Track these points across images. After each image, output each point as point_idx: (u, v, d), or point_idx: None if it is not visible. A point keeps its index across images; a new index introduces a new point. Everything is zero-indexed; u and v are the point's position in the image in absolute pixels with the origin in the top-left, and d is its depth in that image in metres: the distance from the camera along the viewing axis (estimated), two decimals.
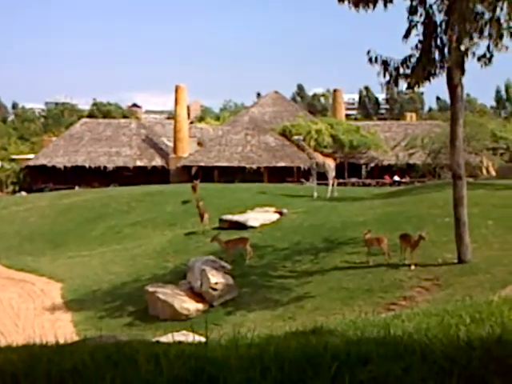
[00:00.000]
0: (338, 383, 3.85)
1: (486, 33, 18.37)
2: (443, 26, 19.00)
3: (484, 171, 53.80)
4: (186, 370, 4.06)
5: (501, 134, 60.24)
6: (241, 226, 29.39)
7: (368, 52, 19.43)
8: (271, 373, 3.98)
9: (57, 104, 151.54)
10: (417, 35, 19.33)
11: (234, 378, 3.88)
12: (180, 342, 5.85)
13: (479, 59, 19.04)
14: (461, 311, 7.41)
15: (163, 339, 8.47)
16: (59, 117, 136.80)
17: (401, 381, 3.88)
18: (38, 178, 69.73)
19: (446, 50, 19.04)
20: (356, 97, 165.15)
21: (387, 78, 19.66)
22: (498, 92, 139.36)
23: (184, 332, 12.81)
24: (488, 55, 18.89)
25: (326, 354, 4.37)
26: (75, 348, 5.40)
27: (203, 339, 6.46)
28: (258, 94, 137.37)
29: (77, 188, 62.67)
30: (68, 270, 28.16)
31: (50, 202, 48.49)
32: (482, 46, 18.79)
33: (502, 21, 18.24)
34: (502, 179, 42.15)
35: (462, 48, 18.74)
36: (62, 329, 19.40)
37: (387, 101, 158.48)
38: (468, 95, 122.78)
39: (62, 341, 6.64)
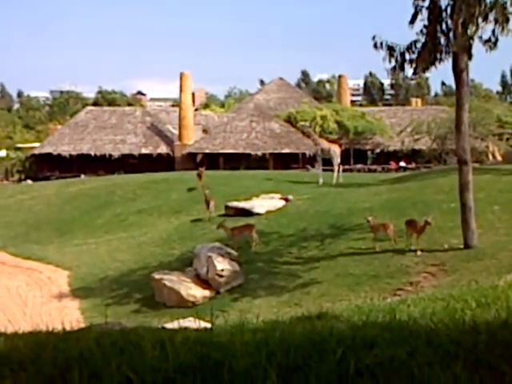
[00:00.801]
0: (343, 367, 3.86)
1: (491, 17, 18.30)
2: (448, 10, 18.93)
3: (490, 156, 53.67)
4: (191, 356, 4.07)
5: (506, 119, 60.00)
6: (247, 213, 29.39)
7: (373, 37, 19.38)
8: (276, 358, 3.99)
9: (62, 92, 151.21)
10: (422, 20, 19.28)
11: (240, 363, 3.89)
12: (186, 329, 5.87)
13: (484, 43, 18.98)
14: (466, 296, 7.41)
15: (169, 326, 8.49)
16: (64, 105, 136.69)
17: (406, 365, 3.89)
18: (43, 167, 69.77)
19: (451, 34, 18.98)
20: (361, 83, 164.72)
21: (393, 63, 19.61)
22: (503, 77, 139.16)
23: (190, 319, 12.84)
24: (493, 39, 18.81)
25: (331, 338, 4.39)
26: (81, 335, 5.42)
27: (209, 325, 6.48)
28: (262, 81, 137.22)
29: (83, 176, 62.71)
30: (75, 258, 28.24)
31: (56, 190, 48.57)
32: (487, 30, 18.74)
33: (508, 4, 18.16)
34: (508, 164, 42.07)
35: (468, 32, 18.67)
36: (69, 316, 19.44)
37: (392, 86, 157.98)
38: (473, 80, 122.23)
39: (68, 328, 6.66)
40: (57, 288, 24.05)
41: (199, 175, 39.04)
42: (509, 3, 18.17)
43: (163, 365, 3.94)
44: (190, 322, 10.20)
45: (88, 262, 27.06)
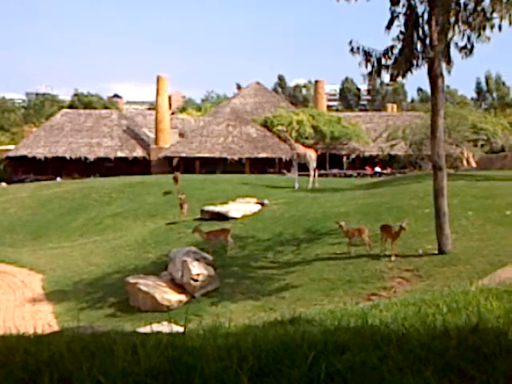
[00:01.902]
0: (314, 372, 3.87)
1: (468, 24, 18.43)
2: (425, 16, 19.04)
3: (464, 162, 54.00)
4: (163, 360, 4.07)
5: (481, 125, 60.41)
6: (222, 217, 29.38)
7: (350, 42, 19.42)
8: (248, 362, 4.00)
9: (37, 94, 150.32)
10: (399, 26, 19.37)
11: (211, 368, 3.89)
12: (158, 332, 5.85)
13: (460, 50, 19.11)
14: (438, 301, 7.46)
15: (142, 330, 8.46)
16: (40, 107, 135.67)
17: (377, 369, 3.91)
18: (18, 169, 69.30)
19: (428, 41, 19.09)
20: (337, 88, 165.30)
21: (369, 68, 19.67)
22: (478, 84, 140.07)
23: (164, 323, 12.81)
24: (469, 46, 18.95)
25: (303, 343, 4.39)
26: (52, 339, 5.38)
27: (182, 330, 6.47)
28: (239, 86, 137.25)
29: (59, 179, 62.32)
30: (49, 262, 28.05)
31: (31, 193, 48.24)
32: (463, 36, 18.86)
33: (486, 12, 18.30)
34: (483, 170, 42.39)
35: (445, 39, 18.78)
36: (43, 320, 19.29)
37: (369, 92, 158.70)
38: (448, 87, 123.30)
39: (40, 332, 6.62)
40: (30, 292, 23.86)
41: (175, 179, 39.05)
42: (486, 9, 18.32)
43: (134, 369, 3.93)
44: (164, 327, 10.18)
45: (62, 266, 26.89)
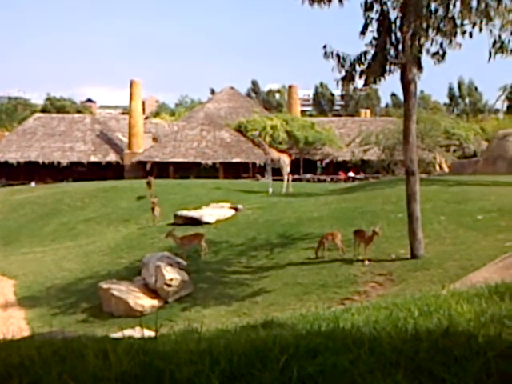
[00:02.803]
0: (286, 375, 3.88)
1: (440, 30, 18.56)
2: (398, 22, 19.15)
3: (437, 167, 54.43)
4: (134, 365, 4.05)
5: (453, 130, 60.96)
6: (196, 222, 29.33)
7: (324, 46, 19.43)
8: (220, 366, 4.00)
9: (9, 98, 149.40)
10: (372, 32, 19.45)
11: (183, 372, 3.88)
12: (129, 337, 5.83)
13: (433, 56, 19.24)
14: (410, 304, 7.49)
15: (115, 336, 8.42)
16: (12, 111, 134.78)
17: (349, 373, 3.92)
18: None
19: (400, 46, 19.19)
20: (311, 93, 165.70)
21: (343, 73, 19.72)
22: (450, 89, 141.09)
23: (137, 328, 12.75)
24: (441, 52, 19.08)
25: (274, 347, 4.40)
26: (23, 344, 5.35)
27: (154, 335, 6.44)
28: (212, 90, 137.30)
29: (33, 184, 61.79)
30: (21, 267, 27.83)
31: (2, 197, 47.90)
32: (436, 42, 18.99)
33: (456, 18, 18.44)
34: (455, 175, 42.68)
35: (417, 45, 18.90)
36: (15, 326, 19.10)
37: (342, 97, 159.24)
38: (421, 92, 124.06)
39: (11, 337, 6.57)
40: (2, 297, 23.65)
41: (149, 184, 38.96)
42: (456, 16, 18.45)
43: (105, 373, 3.91)
44: (137, 332, 10.13)
45: (34, 271, 26.69)
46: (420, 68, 19.67)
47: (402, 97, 21.34)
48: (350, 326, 5.80)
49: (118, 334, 8.05)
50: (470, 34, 18.51)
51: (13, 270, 27.17)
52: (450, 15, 18.43)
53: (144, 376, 3.89)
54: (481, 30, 18.25)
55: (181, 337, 5.34)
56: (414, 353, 4.24)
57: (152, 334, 7.10)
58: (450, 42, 18.71)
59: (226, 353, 4.27)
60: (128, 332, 8.86)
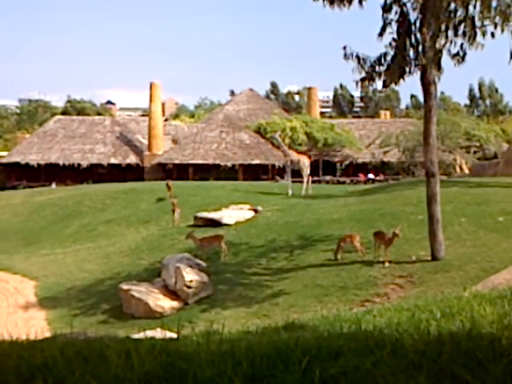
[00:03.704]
0: (308, 377, 3.87)
1: (460, 31, 18.47)
2: (417, 23, 19.06)
3: (457, 169, 54.13)
4: (156, 366, 4.06)
5: (474, 132, 60.66)
6: (215, 224, 29.35)
7: (344, 47, 19.39)
8: (242, 367, 3.99)
9: (30, 101, 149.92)
10: (391, 33, 19.38)
11: (205, 373, 3.88)
12: (151, 338, 5.84)
13: (453, 57, 19.14)
14: (432, 306, 7.46)
15: (136, 336, 8.44)
16: (33, 114, 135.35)
17: (371, 375, 3.91)
18: (11, 176, 69.09)
19: (420, 48, 19.10)
20: (330, 95, 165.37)
21: (362, 74, 19.67)
22: (471, 90, 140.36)
23: (157, 330, 12.77)
24: (461, 53, 18.98)
25: (296, 348, 4.39)
26: (45, 344, 5.37)
27: (175, 336, 6.45)
28: (232, 92, 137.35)
29: (53, 185, 62.07)
30: (42, 268, 27.97)
31: (24, 199, 48.18)
32: (456, 44, 18.90)
33: (476, 19, 18.34)
34: (475, 177, 42.46)
35: (437, 46, 18.81)
36: (36, 327, 19.16)
37: (362, 99, 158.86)
38: (442, 93, 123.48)
39: (33, 338, 6.60)
40: (23, 298, 23.79)
41: (168, 186, 38.99)
42: (477, 17, 18.36)
43: (128, 374, 3.92)
44: (157, 333, 10.15)
45: (55, 272, 26.83)
46: (440, 69, 19.57)
47: (421, 98, 21.25)
48: (372, 328, 5.78)
49: (140, 335, 8.08)
50: (492, 34, 18.40)
51: (34, 272, 27.31)
52: (469, 16, 18.35)
53: (166, 376, 3.90)
54: (503, 30, 18.16)
55: (202, 338, 5.33)
56: (437, 355, 4.22)
57: (173, 335, 7.12)
58: (471, 42, 18.59)
59: (248, 354, 4.27)
60: (149, 333, 8.88)
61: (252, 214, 31.12)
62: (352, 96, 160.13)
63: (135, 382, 3.83)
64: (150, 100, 70.37)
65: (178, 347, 4.62)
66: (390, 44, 19.29)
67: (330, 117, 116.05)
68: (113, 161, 69.25)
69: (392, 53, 19.29)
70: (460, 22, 18.36)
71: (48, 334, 15.14)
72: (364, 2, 19.15)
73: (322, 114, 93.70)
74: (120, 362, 4.14)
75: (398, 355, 4.24)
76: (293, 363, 4.06)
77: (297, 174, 40.97)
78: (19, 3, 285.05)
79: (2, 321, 21.23)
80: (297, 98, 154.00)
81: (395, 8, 19.21)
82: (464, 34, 18.45)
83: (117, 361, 4.17)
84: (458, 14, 18.35)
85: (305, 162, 40.01)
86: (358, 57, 19.41)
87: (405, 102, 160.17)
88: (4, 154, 76.94)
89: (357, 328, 5.98)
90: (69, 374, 3.95)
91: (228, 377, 3.84)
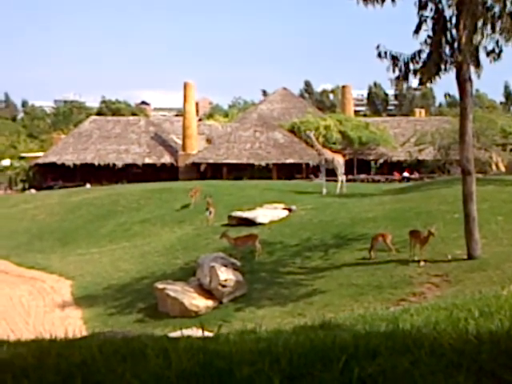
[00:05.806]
0: (346, 376, 3.85)
1: (496, 27, 18.29)
2: (453, 20, 18.91)
3: (493, 167, 53.54)
4: (194, 364, 4.07)
5: (510, 129, 59.92)
6: (250, 223, 29.40)
7: (377, 46, 19.34)
8: (280, 365, 3.99)
9: (66, 102, 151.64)
10: (426, 30, 19.25)
11: (243, 371, 3.88)
12: (189, 337, 5.86)
13: (488, 54, 18.97)
14: (470, 305, 7.40)
15: (173, 335, 8.49)
16: (68, 114, 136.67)
17: (409, 374, 3.88)
18: (47, 176, 69.79)
19: (456, 45, 18.94)
20: (365, 93, 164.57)
21: (397, 73, 19.58)
22: (506, 88, 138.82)
23: (193, 328, 12.82)
24: (497, 50, 18.80)
25: (334, 347, 4.38)
26: (84, 342, 5.42)
27: (212, 335, 6.47)
28: (264, 92, 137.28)
29: (88, 185, 62.59)
30: (78, 268, 28.24)
31: (59, 199, 48.64)
32: (491, 40, 18.72)
33: None
34: None
35: (473, 43, 18.64)
36: (72, 325, 19.37)
37: (396, 97, 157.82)
38: (477, 91, 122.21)
39: (71, 336, 6.65)
40: (60, 297, 24.04)
41: (195, 192, 38.56)
42: None
43: (166, 372, 3.94)
44: (193, 332, 10.19)
45: (91, 272, 27.07)
46: (479, 66, 19.39)
47: (457, 96, 21.07)
48: (410, 327, 5.75)
49: (177, 334, 8.11)
50: None
51: (70, 271, 27.59)
52: (507, 11, 18.16)
53: (204, 375, 3.91)
54: None
55: (239, 337, 5.35)
56: (476, 354, 4.17)
57: (208, 334, 7.14)
58: (508, 39, 18.40)
59: (286, 353, 4.27)
60: (185, 332, 8.91)
61: (286, 213, 31.12)
62: (386, 94, 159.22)
63: (173, 380, 3.84)
64: (184, 100, 70.57)
65: (215, 346, 4.63)
66: (426, 41, 19.17)
67: (365, 115, 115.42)
68: (147, 161, 69.59)
69: (427, 50, 19.17)
70: (497, 19, 18.18)
71: (85, 333, 15.29)
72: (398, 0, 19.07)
73: (356, 112, 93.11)
74: (158, 361, 4.16)
75: (437, 354, 4.20)
76: (330, 362, 4.05)
77: (331, 172, 40.90)
78: (56, 6, 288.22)
79: (39, 320, 21.48)
80: (331, 96, 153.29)
81: (430, 5, 19.10)
82: (501, 30, 18.25)
83: (155, 359, 4.19)
84: (495, 10, 18.17)
85: (339, 161, 39.94)
86: (391, 55, 19.33)
87: (439, 99, 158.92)
88: (40, 154, 77.71)
89: (394, 327, 5.94)
90: (108, 373, 3.98)
91: (266, 375, 3.83)
